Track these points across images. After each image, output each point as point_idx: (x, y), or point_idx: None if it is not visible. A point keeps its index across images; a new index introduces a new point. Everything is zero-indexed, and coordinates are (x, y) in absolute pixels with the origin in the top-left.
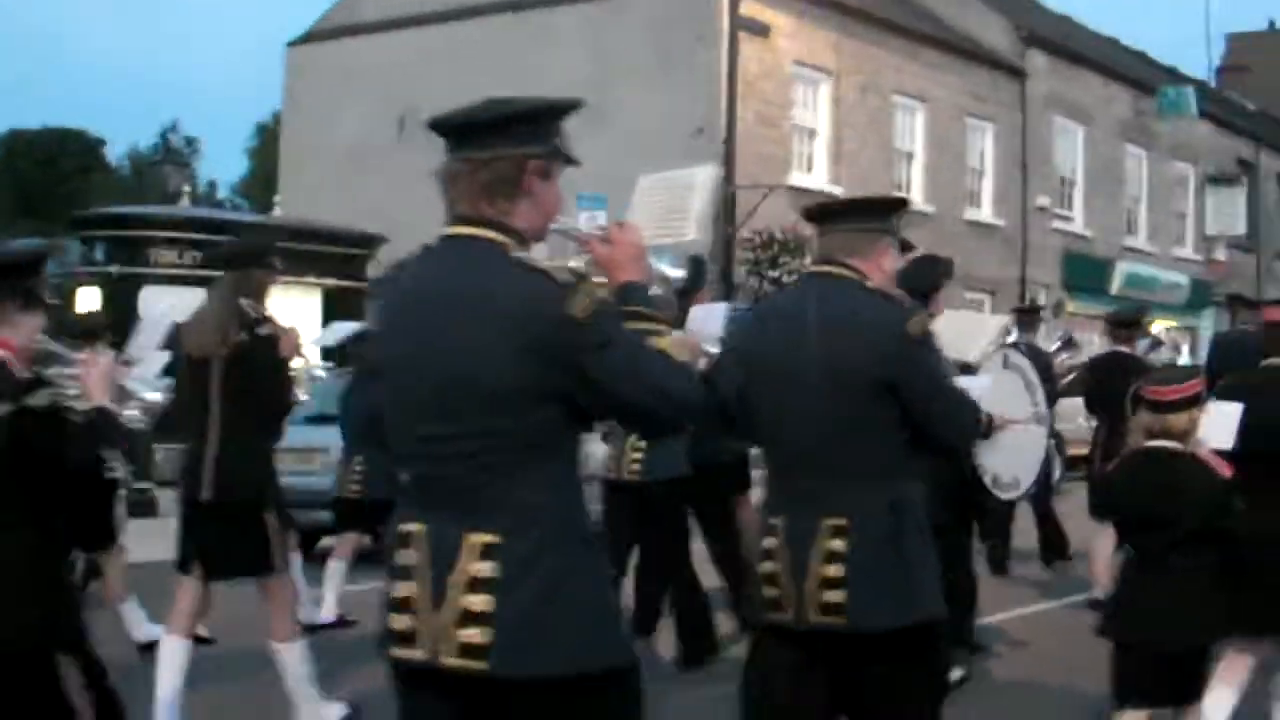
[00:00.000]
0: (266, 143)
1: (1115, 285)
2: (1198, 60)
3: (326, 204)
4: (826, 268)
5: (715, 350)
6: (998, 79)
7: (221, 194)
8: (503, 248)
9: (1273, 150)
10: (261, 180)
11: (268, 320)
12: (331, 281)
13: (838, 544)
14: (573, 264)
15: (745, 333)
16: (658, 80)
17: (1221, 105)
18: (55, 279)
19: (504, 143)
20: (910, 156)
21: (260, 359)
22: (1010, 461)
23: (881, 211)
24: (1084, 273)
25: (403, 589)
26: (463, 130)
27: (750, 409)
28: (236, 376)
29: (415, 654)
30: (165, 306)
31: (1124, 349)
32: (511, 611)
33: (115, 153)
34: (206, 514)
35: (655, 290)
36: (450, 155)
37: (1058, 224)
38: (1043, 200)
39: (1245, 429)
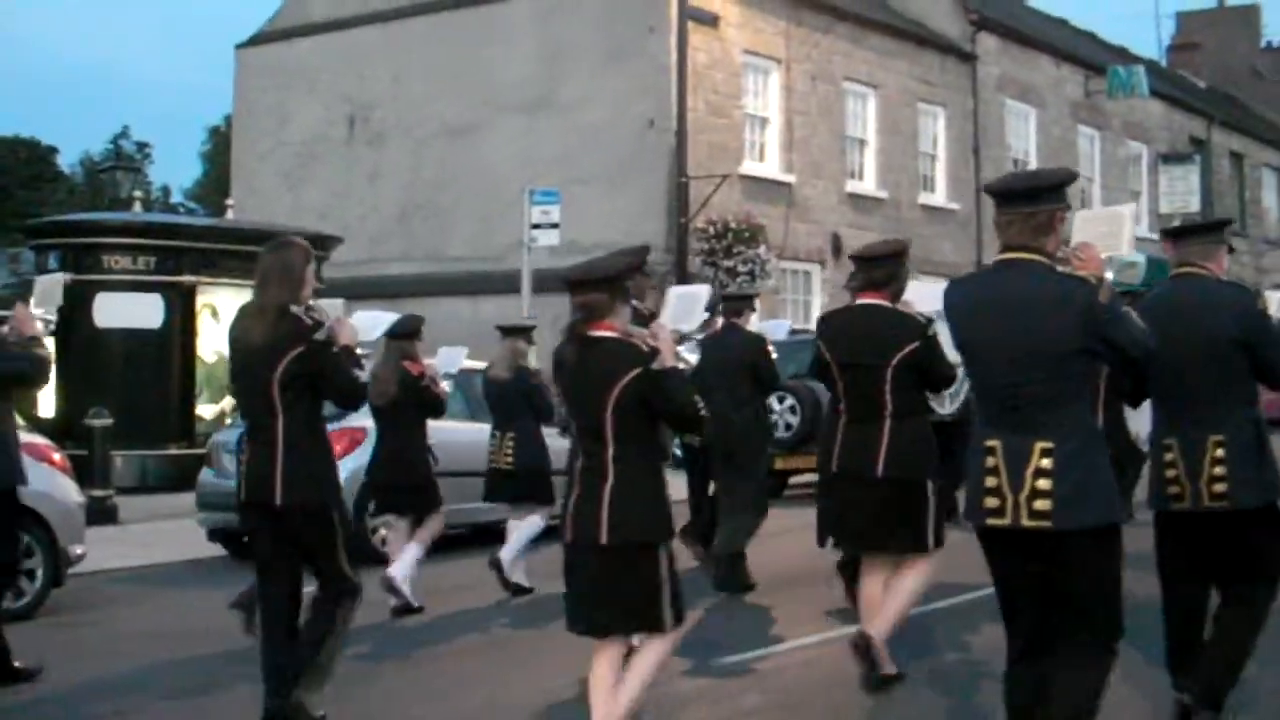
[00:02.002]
0: (218, 146)
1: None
2: (1148, 39)
3: (279, 205)
4: (1187, 269)
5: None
6: (948, 63)
7: (175, 199)
8: (1047, 266)
9: (1224, 127)
10: (215, 184)
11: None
12: None
13: (1220, 452)
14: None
15: (1145, 313)
16: (608, 72)
17: (1173, 83)
18: (9, 288)
19: (1042, 202)
20: (862, 143)
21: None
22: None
23: (1220, 229)
24: None
25: (990, 481)
26: (1015, 195)
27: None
28: None
29: (1002, 521)
30: (697, 288)
31: None
32: (1064, 489)
33: (68, 160)
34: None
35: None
36: (1003, 208)
37: None
38: None
39: None
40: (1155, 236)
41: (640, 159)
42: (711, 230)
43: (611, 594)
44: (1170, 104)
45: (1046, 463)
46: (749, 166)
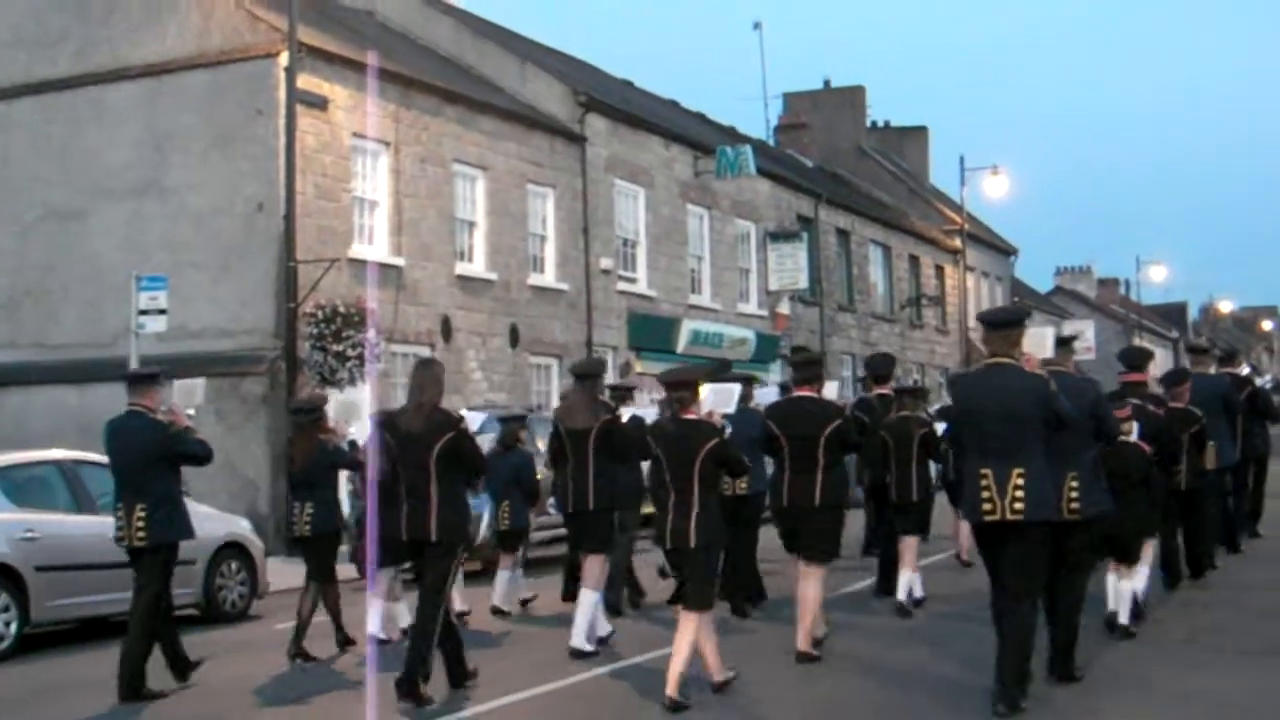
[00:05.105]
0: None
1: (681, 343)
2: (758, 119)
3: None
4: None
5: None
6: (557, 144)
7: None
8: (1018, 366)
9: (831, 205)
10: None
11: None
12: None
13: (1020, 482)
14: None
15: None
16: (215, 156)
17: (780, 163)
18: None
19: (1014, 328)
20: (472, 225)
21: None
22: None
23: (1067, 343)
24: (650, 332)
25: (985, 493)
26: (999, 324)
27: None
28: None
29: (994, 517)
30: (731, 385)
31: None
32: (1031, 496)
33: None
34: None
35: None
36: (989, 331)
37: (622, 285)
38: (606, 263)
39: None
40: (764, 312)
41: (249, 243)
42: (320, 315)
43: (695, 580)
44: (778, 183)
45: (1020, 481)
46: (358, 250)
